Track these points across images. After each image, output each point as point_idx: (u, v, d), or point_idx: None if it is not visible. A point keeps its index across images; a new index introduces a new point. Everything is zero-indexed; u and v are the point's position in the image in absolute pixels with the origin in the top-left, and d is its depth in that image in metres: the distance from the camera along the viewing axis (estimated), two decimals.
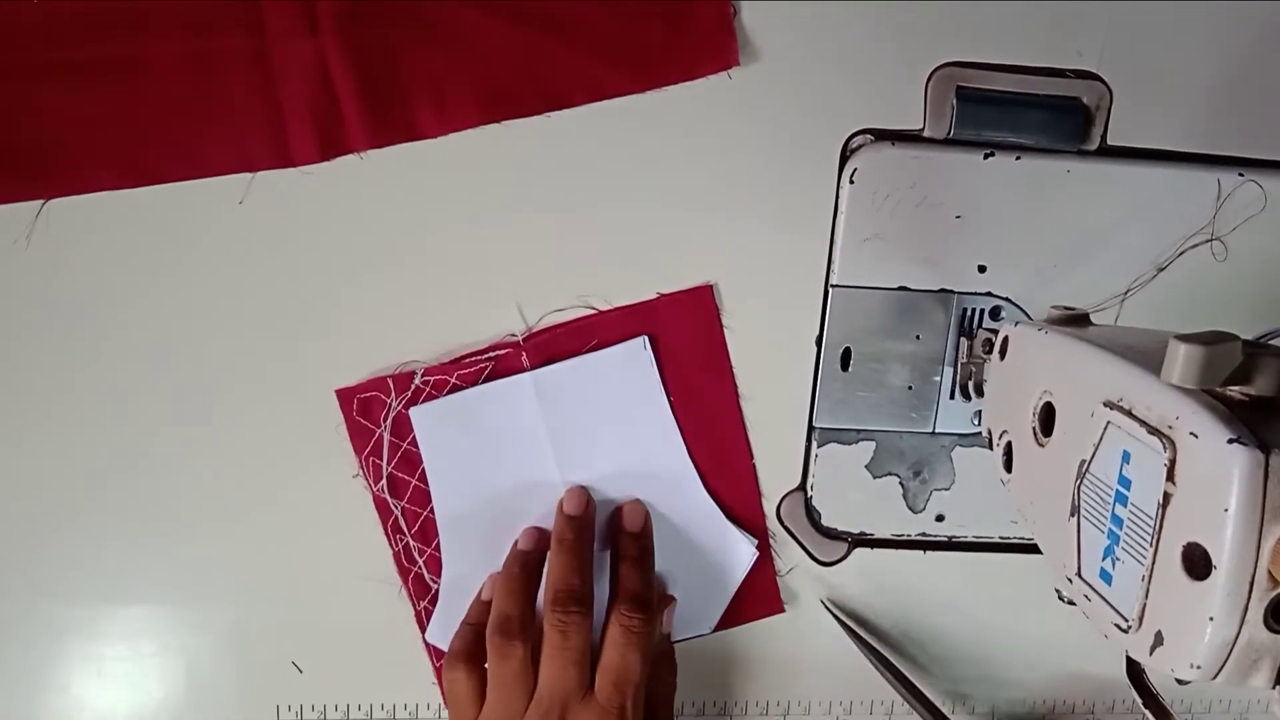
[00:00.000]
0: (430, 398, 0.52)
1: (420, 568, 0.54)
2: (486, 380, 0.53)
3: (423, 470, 0.53)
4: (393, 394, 0.52)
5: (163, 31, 0.48)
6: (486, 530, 0.54)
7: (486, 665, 0.50)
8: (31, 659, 0.54)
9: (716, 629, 0.57)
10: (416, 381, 0.52)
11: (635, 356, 0.53)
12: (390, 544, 0.54)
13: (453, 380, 0.53)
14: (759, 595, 0.57)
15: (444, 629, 0.54)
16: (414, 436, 0.53)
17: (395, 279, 0.52)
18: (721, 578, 0.57)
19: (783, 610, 0.57)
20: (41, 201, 0.49)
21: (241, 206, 0.50)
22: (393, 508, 0.54)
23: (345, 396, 0.52)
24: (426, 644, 0.55)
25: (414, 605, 0.55)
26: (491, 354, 0.53)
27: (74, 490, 0.52)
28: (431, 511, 0.54)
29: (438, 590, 0.55)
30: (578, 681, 0.48)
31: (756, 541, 0.56)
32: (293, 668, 0.56)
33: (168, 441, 0.52)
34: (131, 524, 0.53)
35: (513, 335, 0.53)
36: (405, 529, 0.54)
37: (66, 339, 0.51)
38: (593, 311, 0.53)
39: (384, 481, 0.53)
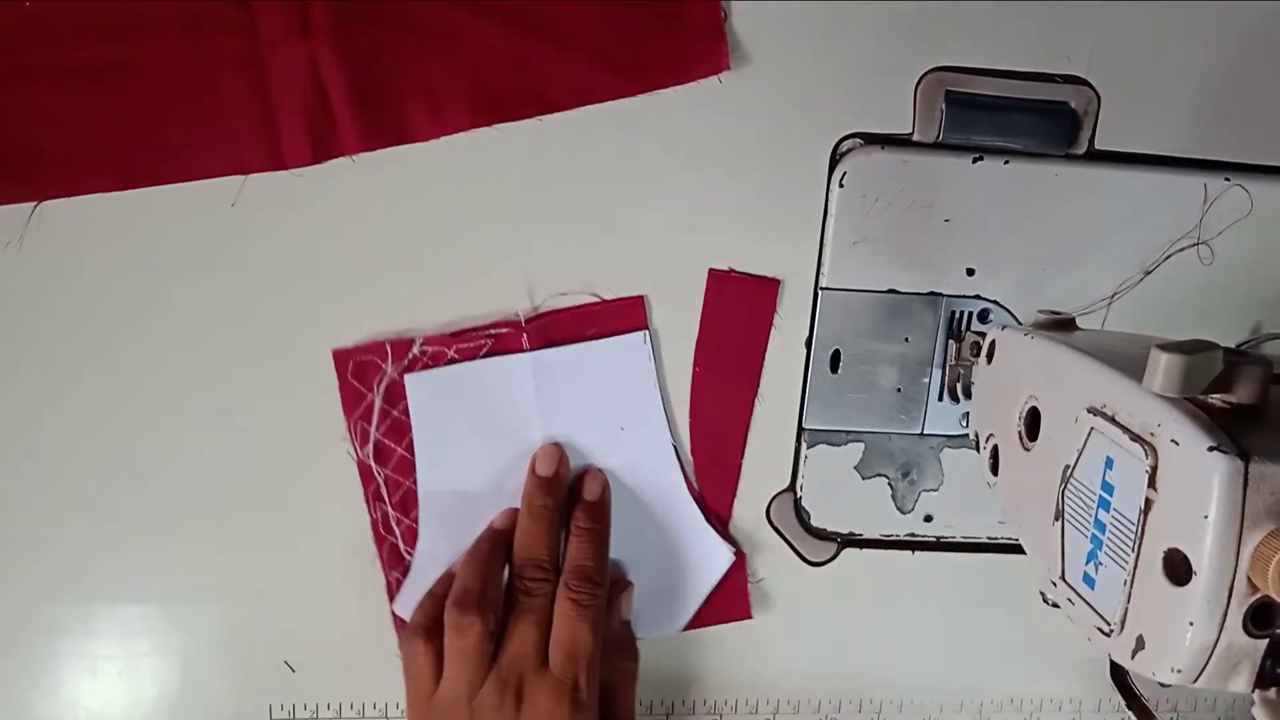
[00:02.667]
0: (427, 368, 0.53)
1: (397, 538, 0.54)
2: (485, 357, 0.53)
3: (410, 440, 0.53)
4: (389, 359, 0.52)
5: (155, 34, 0.48)
6: (465, 506, 0.54)
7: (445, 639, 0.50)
8: (24, 658, 0.54)
9: (686, 629, 0.58)
10: (414, 350, 0.52)
11: (634, 350, 0.54)
12: (369, 511, 0.54)
13: (450, 353, 0.53)
14: (727, 599, 0.57)
15: (412, 601, 0.54)
16: (405, 404, 0.53)
17: (385, 282, 0.52)
18: (695, 580, 0.57)
19: (750, 617, 0.58)
20: (34, 203, 0.49)
21: (234, 209, 0.50)
22: (375, 474, 0.54)
23: (341, 358, 0.52)
24: (394, 614, 0.55)
25: (385, 574, 0.55)
26: (492, 331, 0.53)
27: (66, 490, 0.52)
28: (414, 482, 0.54)
29: (410, 562, 0.55)
30: (536, 647, 0.49)
31: (734, 550, 0.56)
32: (285, 667, 0.56)
33: (160, 442, 0.52)
34: (124, 523, 0.53)
35: (516, 314, 0.53)
36: (386, 497, 0.54)
37: (58, 340, 0.51)
38: (596, 300, 0.53)
39: (370, 447, 0.53)
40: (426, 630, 0.50)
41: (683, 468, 0.55)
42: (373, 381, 0.53)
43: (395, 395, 0.53)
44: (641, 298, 0.53)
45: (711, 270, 0.53)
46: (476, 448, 0.54)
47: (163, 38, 0.48)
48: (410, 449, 0.54)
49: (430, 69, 0.49)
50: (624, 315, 0.53)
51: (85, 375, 0.51)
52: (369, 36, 0.49)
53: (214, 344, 0.52)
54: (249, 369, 0.52)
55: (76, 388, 0.51)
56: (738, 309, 0.54)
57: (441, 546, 0.54)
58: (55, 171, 0.49)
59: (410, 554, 0.55)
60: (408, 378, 0.52)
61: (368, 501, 0.54)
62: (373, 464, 0.53)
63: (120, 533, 0.53)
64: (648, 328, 0.54)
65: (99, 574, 0.54)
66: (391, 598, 0.55)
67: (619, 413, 0.54)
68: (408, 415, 0.53)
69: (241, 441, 0.53)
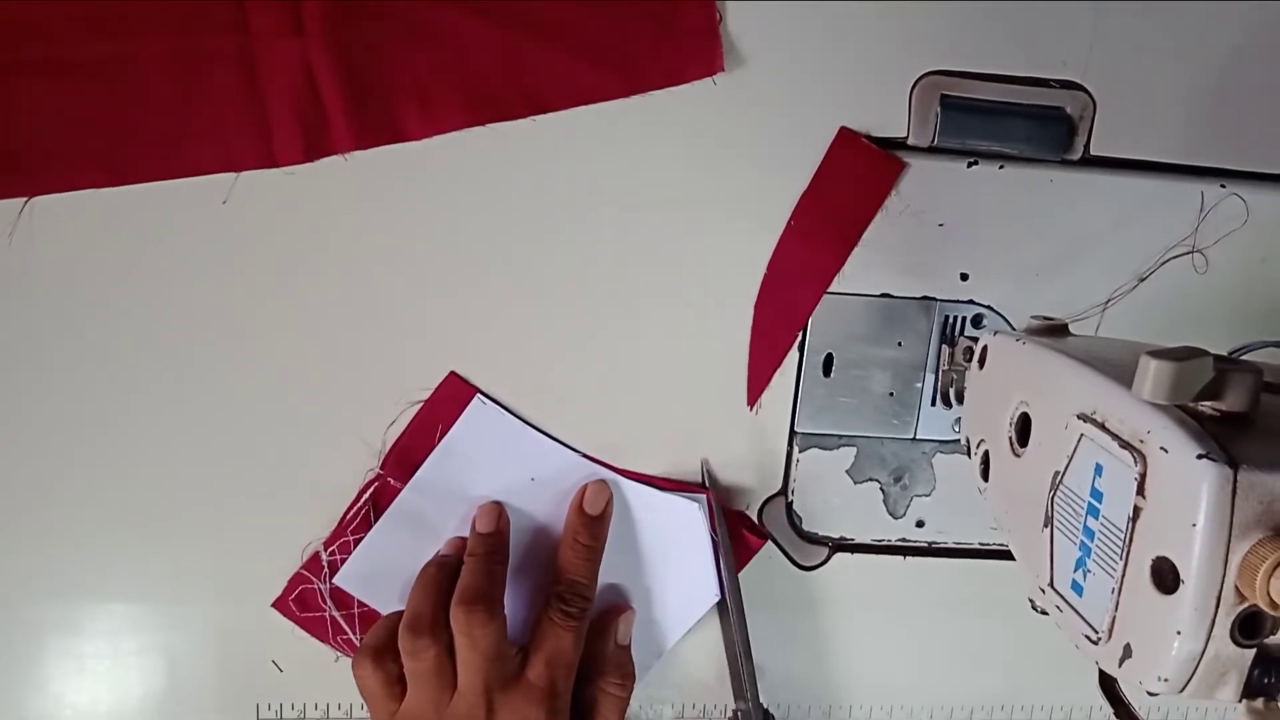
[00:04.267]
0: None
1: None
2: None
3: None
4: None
5: (148, 30, 0.48)
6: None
7: (400, 662, 0.50)
8: (11, 656, 0.54)
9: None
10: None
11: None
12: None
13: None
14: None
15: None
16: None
17: (378, 279, 0.52)
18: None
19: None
20: (25, 199, 0.49)
21: (225, 206, 0.50)
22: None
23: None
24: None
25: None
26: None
27: (54, 487, 0.52)
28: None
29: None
30: (497, 674, 0.49)
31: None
32: (273, 667, 0.56)
33: (148, 438, 0.52)
34: (112, 521, 0.53)
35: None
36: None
37: (48, 336, 0.51)
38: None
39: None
40: (374, 653, 0.50)
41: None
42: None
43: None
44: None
45: (843, 128, 0.52)
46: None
47: (155, 34, 0.48)
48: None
49: (423, 68, 0.49)
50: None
51: (74, 372, 0.51)
52: (362, 35, 0.48)
53: (204, 341, 0.51)
54: (239, 367, 0.52)
55: (66, 384, 0.51)
56: (854, 176, 0.52)
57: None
58: (47, 167, 0.49)
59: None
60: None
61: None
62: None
63: (108, 531, 0.53)
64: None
65: (87, 573, 0.54)
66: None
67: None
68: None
69: (232, 440, 0.53)
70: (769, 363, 0.55)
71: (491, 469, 0.54)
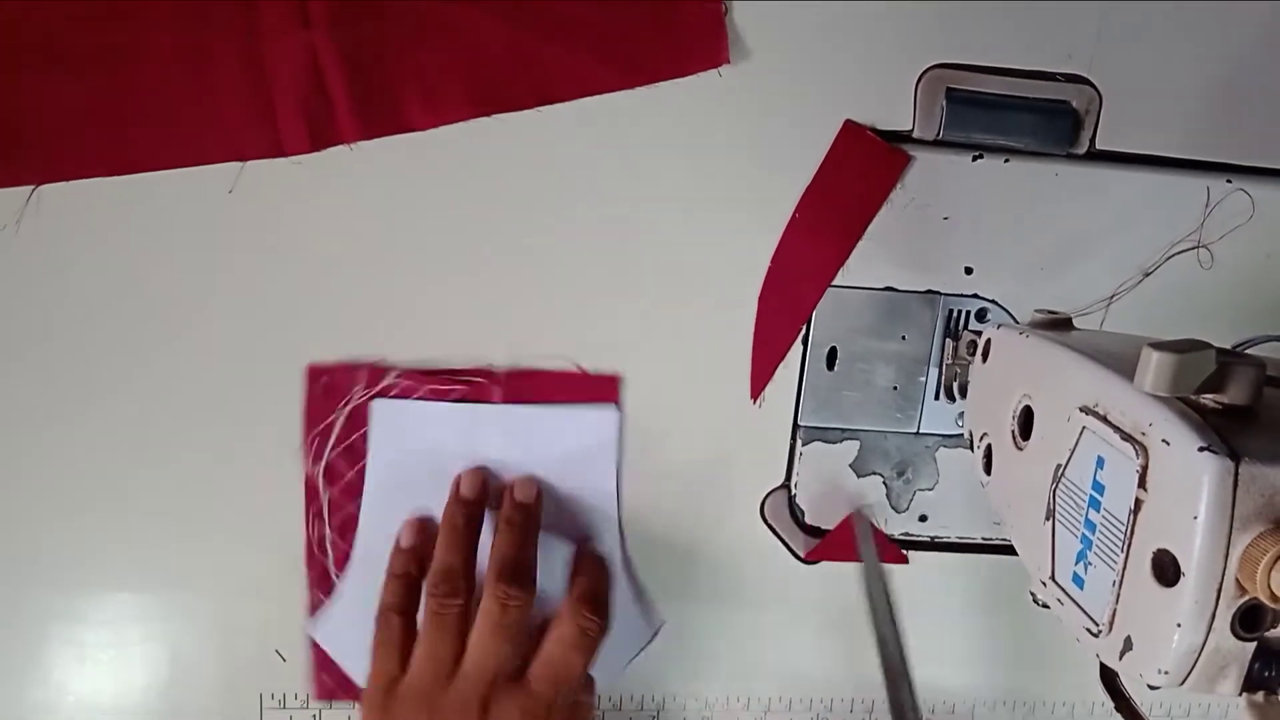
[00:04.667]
0: (396, 398, 0.53)
1: (329, 561, 0.54)
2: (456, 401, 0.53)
3: (362, 466, 0.53)
4: (363, 384, 0.52)
5: (155, 20, 0.48)
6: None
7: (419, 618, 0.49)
8: (14, 645, 0.54)
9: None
10: (388, 379, 0.52)
11: (603, 423, 0.54)
12: (305, 529, 0.54)
13: (422, 390, 0.53)
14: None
15: (330, 626, 0.54)
16: (365, 431, 0.53)
17: (382, 271, 0.52)
18: (624, 642, 0.56)
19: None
20: (32, 187, 0.49)
21: (231, 195, 0.50)
22: (320, 493, 0.53)
23: (314, 374, 0.52)
24: (312, 640, 0.55)
25: (310, 593, 0.55)
26: (467, 378, 0.53)
27: (59, 477, 0.52)
28: (356, 509, 0.54)
29: (336, 586, 0.55)
30: (508, 661, 0.48)
31: (664, 621, 0.57)
32: (277, 656, 0.56)
33: (153, 426, 0.52)
34: (116, 511, 0.53)
35: (491, 366, 0.53)
36: (326, 517, 0.54)
37: (55, 325, 0.51)
38: (576, 370, 0.54)
39: (322, 464, 0.53)
40: (401, 609, 0.50)
41: (623, 542, 0.56)
42: (338, 401, 0.53)
43: (358, 422, 0.53)
44: (617, 377, 0.54)
45: (848, 121, 0.52)
46: (423, 487, 0.53)
47: (162, 24, 0.48)
48: (361, 474, 0.53)
49: (429, 58, 0.49)
50: (599, 389, 0.54)
51: (80, 360, 0.51)
52: (368, 26, 0.48)
53: (210, 330, 0.52)
54: (245, 356, 0.52)
55: (72, 372, 0.51)
56: (859, 170, 0.52)
57: (373, 579, 0.53)
58: (54, 156, 0.49)
59: (338, 577, 0.54)
60: (374, 402, 0.52)
61: (306, 520, 0.54)
62: (320, 482, 0.53)
63: (112, 521, 0.53)
64: (619, 406, 0.54)
65: (91, 562, 0.54)
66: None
67: (574, 481, 0.55)
68: (365, 443, 0.53)
69: (238, 428, 0.53)
70: (772, 356, 0.55)
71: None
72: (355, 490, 0.54)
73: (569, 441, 0.54)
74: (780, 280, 0.54)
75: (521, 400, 0.53)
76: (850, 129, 0.52)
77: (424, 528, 0.53)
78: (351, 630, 0.53)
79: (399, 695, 0.48)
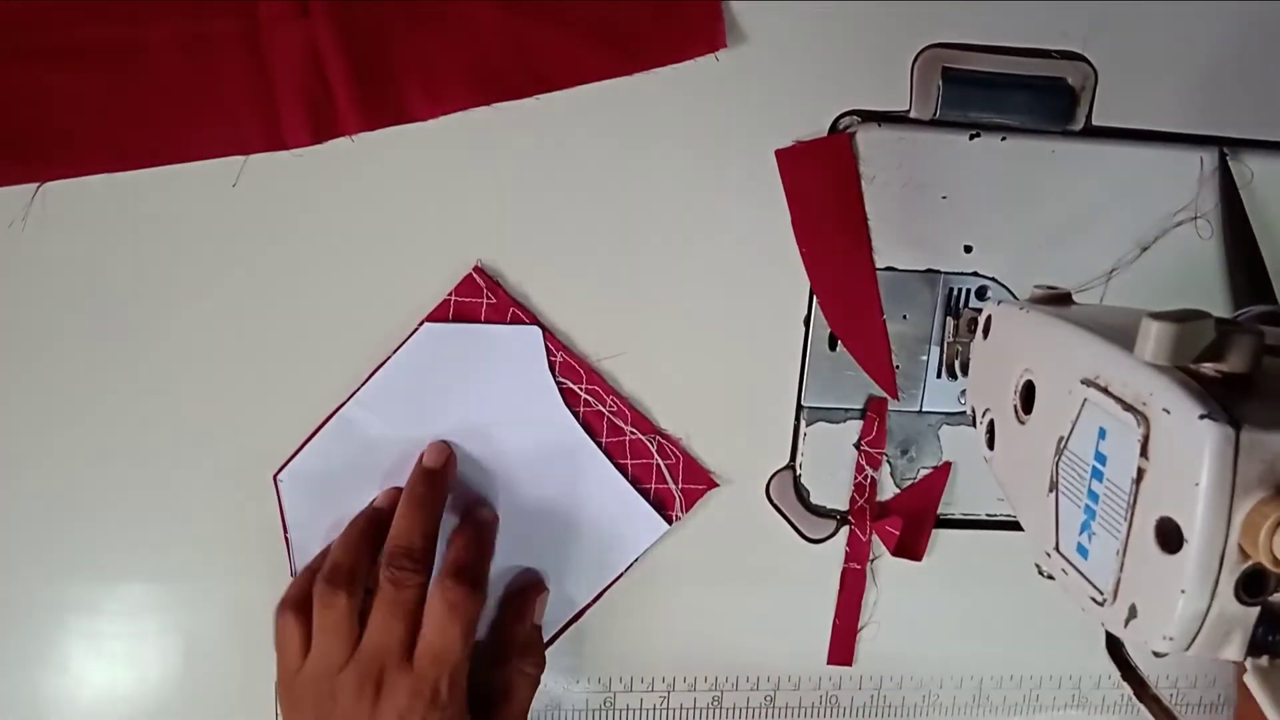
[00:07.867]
0: None
1: None
2: None
3: None
4: None
5: (155, 14, 0.48)
6: (337, 487, 0.54)
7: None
8: (31, 636, 0.55)
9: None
10: None
11: (528, 344, 0.53)
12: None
13: None
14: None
15: (296, 475, 0.54)
16: None
17: (387, 260, 0.52)
18: (622, 544, 0.56)
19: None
20: (37, 184, 0.49)
21: (235, 189, 0.50)
22: None
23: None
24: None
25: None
26: None
27: (73, 469, 0.53)
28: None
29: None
30: (401, 641, 0.48)
31: (667, 526, 0.56)
32: None
33: (163, 419, 0.53)
34: (131, 501, 0.53)
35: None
36: None
37: (62, 321, 0.51)
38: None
39: None
40: (295, 605, 0.50)
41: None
42: None
43: None
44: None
45: (778, 150, 0.52)
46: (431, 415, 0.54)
47: (163, 17, 0.48)
48: None
49: (428, 49, 0.49)
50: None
51: (88, 355, 0.52)
52: (367, 16, 0.49)
53: (217, 323, 0.52)
54: (253, 347, 0.52)
55: (80, 367, 0.52)
56: (818, 175, 0.53)
57: (310, 524, 0.54)
58: (57, 153, 0.49)
59: None
60: (425, 326, 0.53)
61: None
62: None
63: (127, 511, 0.54)
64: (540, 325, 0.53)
65: (106, 552, 0.54)
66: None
67: (515, 401, 0.54)
68: None
69: (250, 419, 0.53)
70: (880, 351, 0.55)
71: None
72: None
73: (499, 367, 0.53)
74: (836, 303, 0.54)
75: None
76: (784, 155, 0.52)
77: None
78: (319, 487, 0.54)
79: (309, 676, 0.49)
